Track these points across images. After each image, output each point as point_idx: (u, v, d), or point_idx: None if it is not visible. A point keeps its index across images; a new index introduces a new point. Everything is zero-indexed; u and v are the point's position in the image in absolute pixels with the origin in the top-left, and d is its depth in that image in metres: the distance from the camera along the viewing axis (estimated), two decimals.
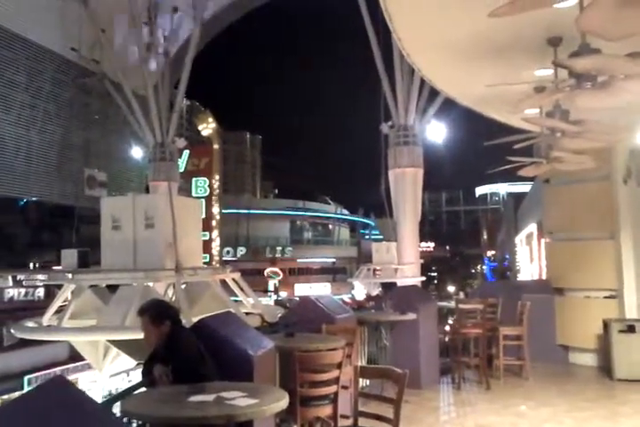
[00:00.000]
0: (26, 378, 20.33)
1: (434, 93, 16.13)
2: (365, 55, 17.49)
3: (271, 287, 37.59)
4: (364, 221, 60.34)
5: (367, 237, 58.30)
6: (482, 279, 51.82)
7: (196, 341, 3.64)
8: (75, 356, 22.09)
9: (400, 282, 14.68)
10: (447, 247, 70.09)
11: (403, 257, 16.34)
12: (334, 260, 47.53)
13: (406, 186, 16.91)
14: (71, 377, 22.02)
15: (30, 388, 19.69)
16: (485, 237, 63.58)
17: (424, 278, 18.02)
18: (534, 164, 6.34)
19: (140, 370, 4.30)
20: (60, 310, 6.52)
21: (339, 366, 4.17)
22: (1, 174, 18.22)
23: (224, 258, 33.95)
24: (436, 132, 19.58)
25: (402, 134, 16.88)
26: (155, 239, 6.19)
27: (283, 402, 2.92)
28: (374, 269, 17.37)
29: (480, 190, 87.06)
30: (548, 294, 9.00)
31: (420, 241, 18.67)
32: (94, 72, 20.11)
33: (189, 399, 2.86)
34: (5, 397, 20.52)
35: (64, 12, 18.22)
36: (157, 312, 3.72)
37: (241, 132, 58.99)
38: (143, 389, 3.56)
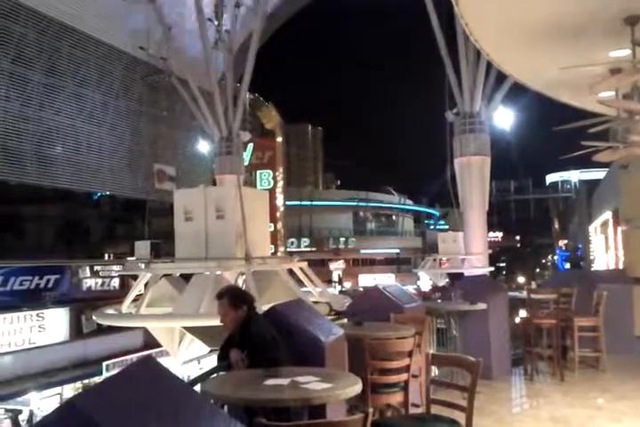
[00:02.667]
0: (104, 364, 21.39)
1: (501, 79, 15.69)
2: (428, 42, 17.21)
3: (335, 278, 37.82)
4: (429, 211, 59.56)
5: (432, 227, 57.57)
6: (553, 269, 50.12)
7: (270, 326, 3.74)
8: (148, 344, 23.05)
9: (468, 272, 14.45)
10: (516, 237, 68.12)
11: (470, 247, 16.06)
12: (398, 250, 47.24)
13: (473, 175, 16.57)
14: None
15: (108, 373, 20.75)
16: (557, 226, 61.39)
17: (492, 269, 17.66)
18: (610, 148, 6.09)
19: (213, 356, 4.45)
20: (137, 299, 6.82)
21: (409, 354, 4.18)
22: (76, 170, 19.08)
23: (288, 249, 34.41)
24: (504, 118, 19.06)
25: (467, 122, 16.53)
26: (225, 230, 6.36)
27: (357, 387, 2.96)
28: (440, 260, 17.16)
29: (550, 178, 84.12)
30: (625, 283, 8.63)
31: (488, 231, 18.28)
32: (162, 69, 20.69)
33: (265, 383, 2.95)
34: (86, 381, 21.68)
35: (132, 12, 18.83)
36: (236, 296, 3.84)
37: (303, 124, 59.31)
38: (219, 373, 3.69)
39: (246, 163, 25.43)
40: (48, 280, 21.63)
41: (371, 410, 2.38)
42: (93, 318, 7.51)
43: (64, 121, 18.52)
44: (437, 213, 60.16)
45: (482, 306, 6.74)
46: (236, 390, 2.90)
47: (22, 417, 19.45)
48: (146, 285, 6.75)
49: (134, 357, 22.28)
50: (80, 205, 36.92)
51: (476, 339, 7.01)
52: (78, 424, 1.36)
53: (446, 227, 52.28)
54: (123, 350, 22.49)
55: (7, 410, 19.15)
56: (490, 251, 17.22)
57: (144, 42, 19.79)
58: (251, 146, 28.91)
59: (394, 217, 51.96)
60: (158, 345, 23.23)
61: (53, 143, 18.40)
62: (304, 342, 3.80)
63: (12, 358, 19.55)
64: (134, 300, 6.90)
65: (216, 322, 4.07)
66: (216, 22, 19.49)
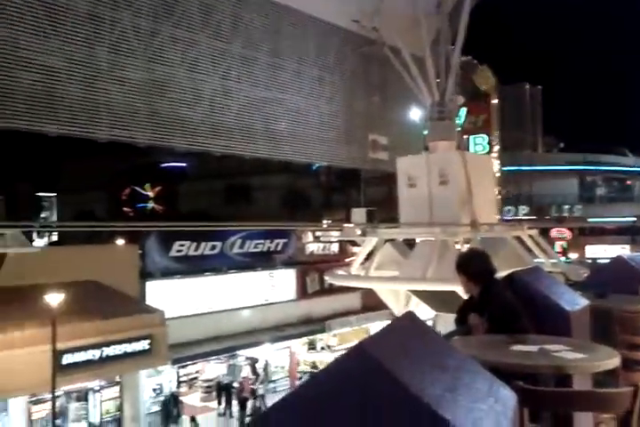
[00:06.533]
0: (327, 322, 23.07)
1: None
2: None
3: (558, 249, 35.33)
4: None
5: None
6: None
7: (510, 293, 3.65)
8: (366, 306, 24.27)
9: None
10: None
11: None
12: (634, 219, 42.25)
13: None
14: (363, 325, 24.35)
15: (331, 331, 22.23)
16: None
17: None
18: None
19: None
20: (362, 263, 7.17)
21: None
22: (298, 143, 20.31)
23: (505, 217, 33.02)
24: None
25: None
26: (449, 195, 6.33)
27: (615, 360, 2.76)
28: None
29: None
30: None
31: None
32: (374, 40, 20.92)
33: (512, 348, 2.90)
34: (311, 337, 23.60)
35: None
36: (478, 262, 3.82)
37: (519, 84, 55.36)
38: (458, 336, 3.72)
39: (459, 128, 24.77)
40: (277, 244, 23.85)
41: None
42: (325, 278, 8.11)
43: (287, 97, 19.85)
44: None
45: None
46: (483, 353, 2.90)
47: (259, 365, 22.05)
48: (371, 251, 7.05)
49: (354, 318, 23.67)
50: (300, 176, 39.72)
51: None
52: (368, 368, 1.47)
53: None
54: (343, 310, 24.01)
55: (247, 358, 21.88)
56: None
57: (356, 14, 20.16)
58: (464, 110, 28.04)
59: (628, 182, 46.53)
60: (375, 308, 24.32)
61: (278, 119, 19.87)
62: (546, 311, 3.64)
63: (249, 312, 22.14)
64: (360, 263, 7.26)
65: (443, 287, 4.11)
66: None
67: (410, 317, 2.05)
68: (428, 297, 6.08)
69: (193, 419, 17.31)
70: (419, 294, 6.16)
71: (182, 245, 20.96)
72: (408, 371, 1.58)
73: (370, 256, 6.92)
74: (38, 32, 12.74)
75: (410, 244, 8.21)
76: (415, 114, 23.87)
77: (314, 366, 22.67)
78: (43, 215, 45.26)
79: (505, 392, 1.88)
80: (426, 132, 20.95)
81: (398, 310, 6.70)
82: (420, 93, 20.20)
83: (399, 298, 6.64)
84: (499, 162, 29.03)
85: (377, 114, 23.09)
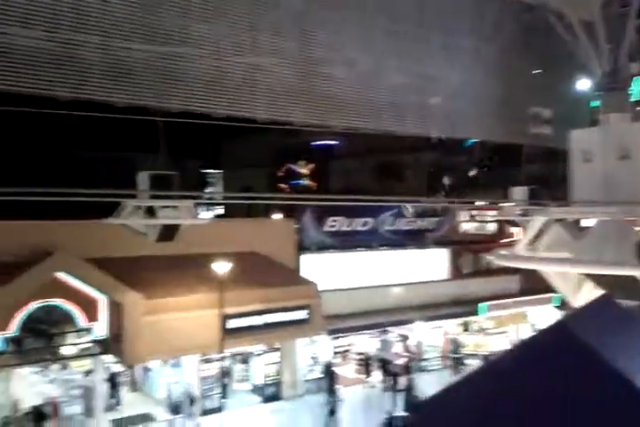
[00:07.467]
0: (480, 305, 22.42)
1: None
2: None
3: None
4: None
5: None
6: None
7: None
8: (524, 290, 23.22)
9: None
10: None
11: None
12: None
13: None
14: (521, 309, 23.33)
15: (484, 314, 21.59)
16: None
17: None
18: None
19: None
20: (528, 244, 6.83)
21: None
22: (451, 118, 19.55)
23: None
24: None
25: None
26: (630, 171, 5.80)
27: None
28: None
29: None
30: None
31: None
32: (534, 6, 19.51)
33: None
34: (466, 319, 23.00)
35: None
36: None
37: None
38: None
39: (636, 98, 22.34)
40: (429, 222, 23.57)
41: None
42: (488, 258, 7.89)
43: (439, 72, 19.18)
44: None
45: None
46: None
47: (412, 343, 22.17)
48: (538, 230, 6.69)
49: (511, 301, 22.76)
50: (451, 152, 38.64)
51: None
52: (566, 341, 1.43)
53: None
54: (498, 293, 23.16)
55: (400, 334, 22.10)
56: None
57: None
58: (639, 79, 25.22)
59: None
60: (534, 292, 23.12)
61: (431, 94, 19.30)
62: None
63: (400, 289, 22.26)
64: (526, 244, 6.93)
65: (622, 271, 3.78)
66: None
67: (607, 300, 1.94)
68: (606, 282, 5.66)
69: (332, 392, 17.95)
70: (595, 278, 5.75)
71: (335, 221, 21.56)
72: (616, 354, 1.50)
73: (536, 237, 6.56)
74: (204, 18, 13.65)
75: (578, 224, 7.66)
76: (583, 84, 21.96)
77: (454, 350, 22.18)
78: (209, 190, 49.07)
79: None
80: (596, 104, 19.16)
81: (568, 295, 6.32)
82: (589, 62, 18.48)
83: (569, 282, 6.25)
84: None
85: (539, 86, 21.54)
